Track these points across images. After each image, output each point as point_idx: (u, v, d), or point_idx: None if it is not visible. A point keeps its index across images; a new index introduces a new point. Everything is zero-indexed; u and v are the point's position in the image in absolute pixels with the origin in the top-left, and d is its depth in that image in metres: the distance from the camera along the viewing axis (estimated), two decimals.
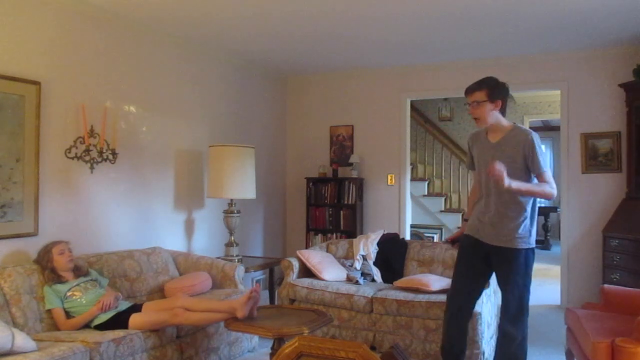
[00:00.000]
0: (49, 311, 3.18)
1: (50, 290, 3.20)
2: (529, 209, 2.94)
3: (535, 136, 2.92)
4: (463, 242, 3.19)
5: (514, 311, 2.94)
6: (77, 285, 3.29)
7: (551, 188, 2.87)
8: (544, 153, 2.93)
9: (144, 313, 3.27)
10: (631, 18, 4.23)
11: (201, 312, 3.32)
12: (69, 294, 3.23)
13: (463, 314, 3.16)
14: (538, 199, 2.99)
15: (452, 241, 3.37)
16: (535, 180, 2.93)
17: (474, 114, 3.02)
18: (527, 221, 2.94)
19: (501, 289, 3.06)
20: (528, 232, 2.95)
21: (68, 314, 3.22)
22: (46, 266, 3.29)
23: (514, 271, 2.94)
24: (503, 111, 3.03)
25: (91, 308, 3.18)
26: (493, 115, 2.99)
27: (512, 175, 2.79)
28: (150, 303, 3.47)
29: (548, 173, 2.90)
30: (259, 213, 6.07)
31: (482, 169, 3.02)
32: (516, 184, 2.77)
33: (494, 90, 2.98)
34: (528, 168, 2.91)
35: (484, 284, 3.22)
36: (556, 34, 4.68)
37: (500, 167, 2.69)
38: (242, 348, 3.94)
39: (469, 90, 3.03)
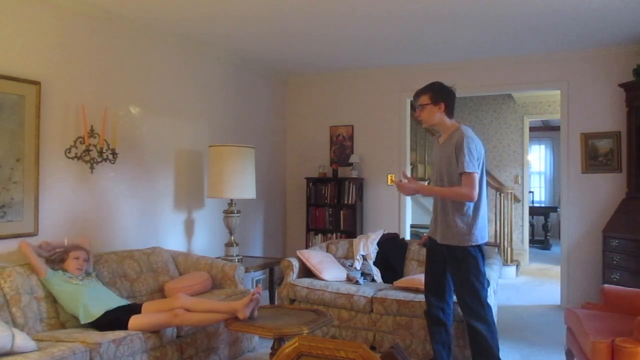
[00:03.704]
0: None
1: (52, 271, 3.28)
2: (469, 206, 3.03)
3: (468, 138, 3.00)
4: (428, 244, 3.38)
5: (475, 308, 3.05)
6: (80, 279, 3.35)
7: (463, 190, 2.94)
8: (472, 155, 2.97)
9: (143, 315, 3.25)
10: (631, 18, 4.23)
11: (201, 312, 3.32)
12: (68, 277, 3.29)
13: (436, 311, 3.30)
14: (484, 196, 3.06)
15: (424, 244, 3.54)
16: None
17: (419, 115, 3.22)
18: (469, 218, 3.03)
19: (455, 288, 3.14)
20: (471, 228, 3.02)
21: (62, 294, 3.24)
22: (54, 261, 3.36)
23: (465, 270, 3.04)
24: (449, 113, 3.18)
25: None
26: (436, 117, 3.16)
27: (451, 176, 3.02)
28: (149, 303, 3.46)
29: (469, 175, 2.94)
30: (259, 213, 6.06)
31: (433, 168, 3.24)
32: (422, 187, 3.18)
33: (437, 93, 3.15)
34: None
35: (447, 281, 3.29)
36: (556, 34, 4.67)
37: (398, 180, 2.89)
38: (242, 348, 3.94)
39: (416, 95, 3.25)
